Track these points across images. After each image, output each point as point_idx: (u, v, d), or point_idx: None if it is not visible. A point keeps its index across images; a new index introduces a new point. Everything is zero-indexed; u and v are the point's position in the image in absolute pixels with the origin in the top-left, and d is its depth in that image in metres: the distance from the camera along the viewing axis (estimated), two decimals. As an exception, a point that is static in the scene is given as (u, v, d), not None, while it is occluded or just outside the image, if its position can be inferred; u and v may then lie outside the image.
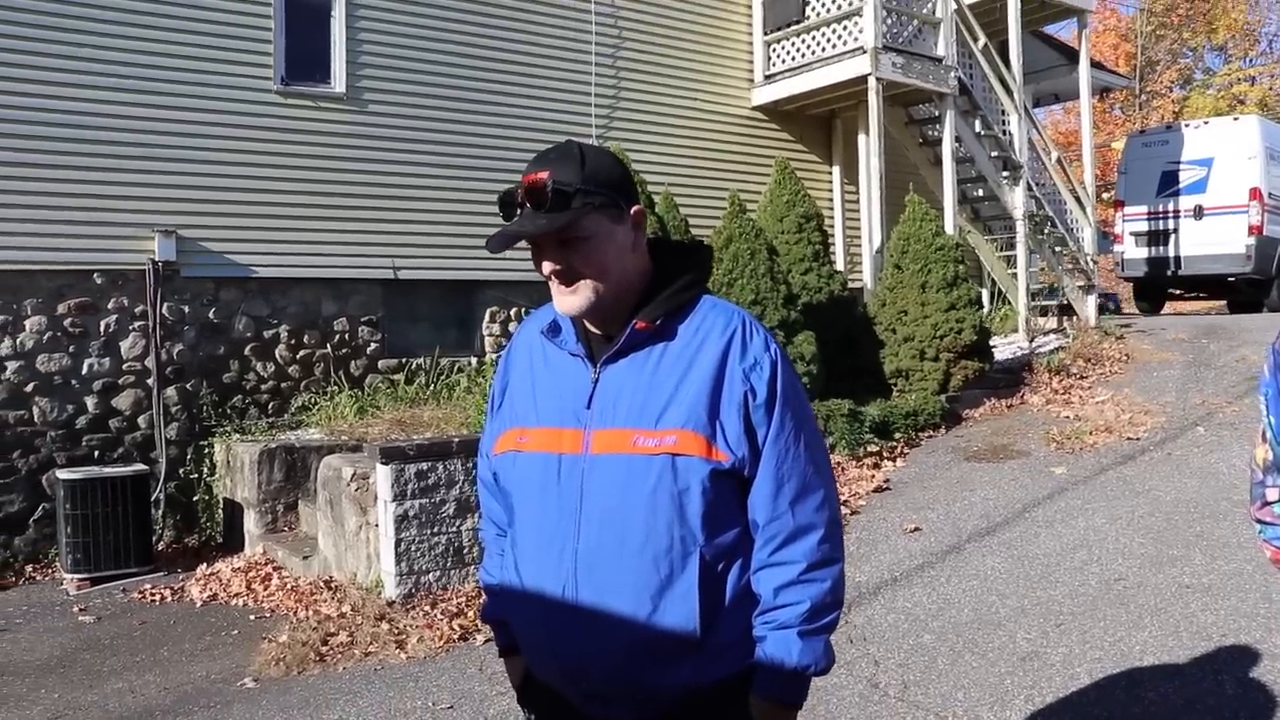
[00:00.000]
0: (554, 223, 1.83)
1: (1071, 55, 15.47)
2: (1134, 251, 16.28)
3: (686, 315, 1.96)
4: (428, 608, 6.08)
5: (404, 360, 9.85)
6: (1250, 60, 36.95)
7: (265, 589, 7.14)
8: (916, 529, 6.81)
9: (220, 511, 8.66)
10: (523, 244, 1.89)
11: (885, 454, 8.31)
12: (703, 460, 1.84)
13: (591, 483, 1.88)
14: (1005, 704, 4.42)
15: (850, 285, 10.16)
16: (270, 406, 9.19)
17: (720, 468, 1.85)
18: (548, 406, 1.98)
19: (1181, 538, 6.24)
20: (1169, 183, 15.84)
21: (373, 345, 9.75)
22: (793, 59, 12.10)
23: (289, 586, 7.06)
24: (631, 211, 1.95)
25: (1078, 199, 13.56)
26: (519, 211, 1.88)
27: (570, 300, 1.90)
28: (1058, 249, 13.17)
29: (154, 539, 8.14)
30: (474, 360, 10.21)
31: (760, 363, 1.90)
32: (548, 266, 1.89)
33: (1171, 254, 15.81)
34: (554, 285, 1.92)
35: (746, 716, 1.90)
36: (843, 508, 6.99)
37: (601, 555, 1.87)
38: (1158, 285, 16.87)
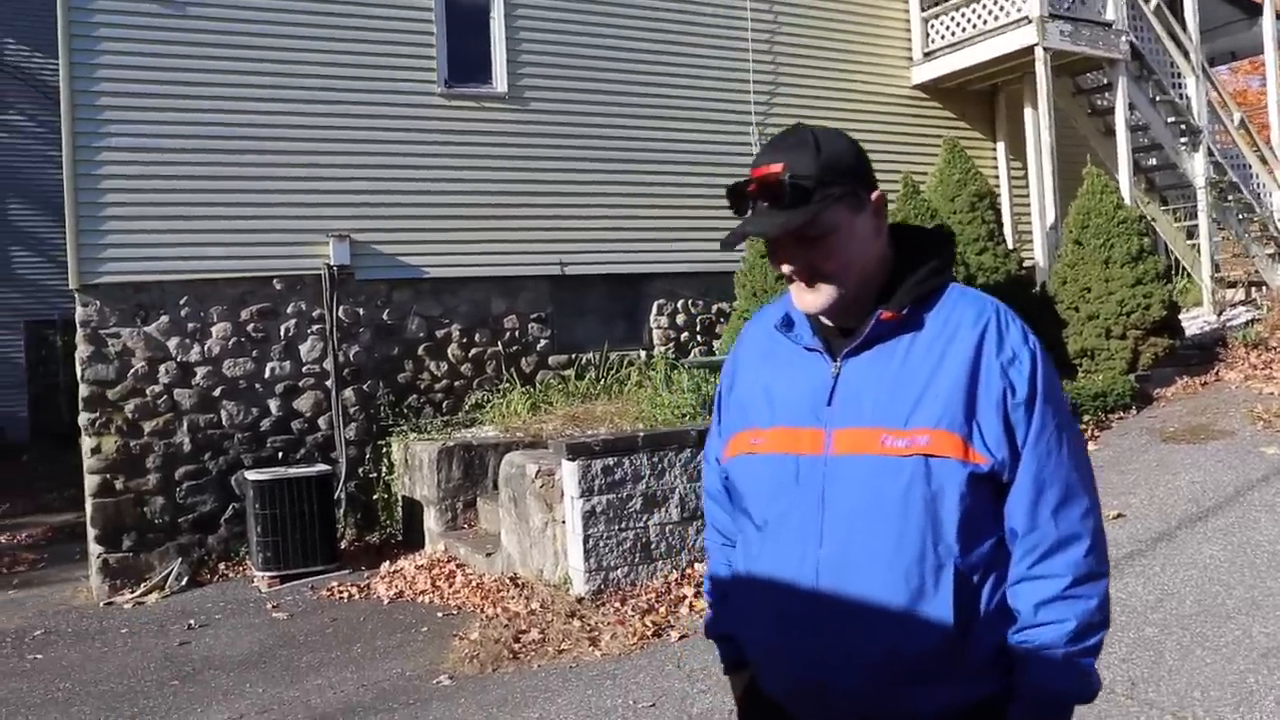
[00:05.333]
0: (791, 221, 1.70)
1: (1250, 8, 14.59)
2: (1326, 214, 15.25)
3: (934, 304, 1.80)
4: (618, 604, 6.05)
5: (573, 356, 9.90)
6: None
7: (450, 586, 7.23)
8: (1120, 515, 6.47)
9: (399, 509, 8.83)
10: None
11: (1075, 437, 7.93)
12: (959, 463, 1.68)
13: (834, 486, 1.74)
14: (1253, 705, 4.11)
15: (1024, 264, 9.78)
16: (444, 405, 9.32)
17: (979, 471, 1.69)
18: (783, 405, 1.85)
19: None
20: (1364, 140, 14.77)
21: (542, 341, 9.81)
22: (952, 34, 11.72)
23: (473, 584, 7.13)
24: (872, 197, 1.80)
25: (1264, 162, 12.77)
26: (751, 206, 1.75)
27: (810, 299, 1.78)
28: (1243, 216, 12.44)
29: (337, 537, 8.34)
30: (642, 353, 10.19)
31: (1019, 356, 1.73)
32: (786, 266, 1.78)
33: None
34: (793, 285, 1.81)
35: None
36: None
37: (846, 564, 1.72)
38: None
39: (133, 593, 7.88)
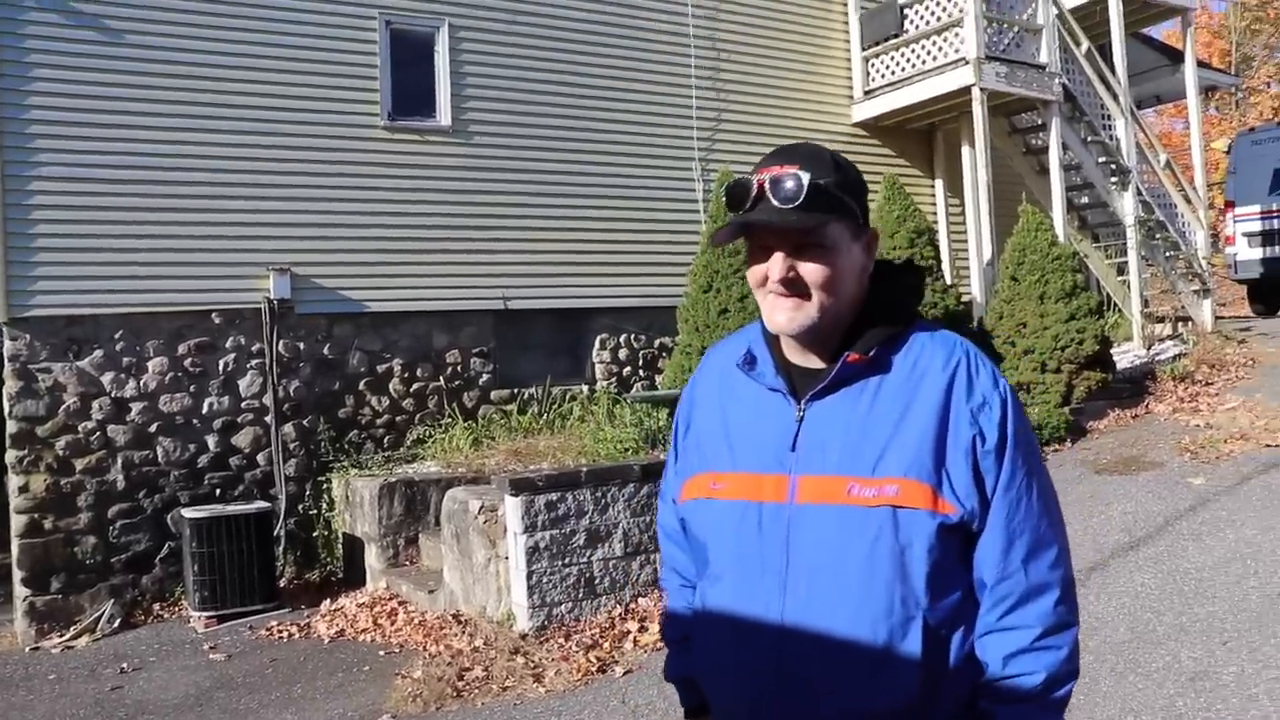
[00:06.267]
0: (803, 222, 1.65)
1: (1173, 55, 15.08)
2: (1247, 253, 15.70)
3: (902, 345, 1.75)
4: (562, 640, 6.01)
5: (516, 390, 9.85)
6: (1351, 52, 35.69)
7: (392, 624, 7.13)
8: (1057, 547, 6.56)
9: (340, 547, 8.71)
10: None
11: (1012, 470, 8.04)
12: (929, 513, 1.64)
13: (799, 536, 1.68)
14: (1183, 728, 4.20)
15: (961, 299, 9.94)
16: (386, 440, 9.23)
17: (948, 521, 1.65)
18: (744, 448, 1.78)
19: (1346, 549, 5.92)
20: (1283, 180, 15.28)
21: (485, 376, 9.77)
22: (892, 73, 11.93)
23: (416, 621, 7.04)
24: (869, 234, 1.77)
25: (1188, 201, 13.15)
26: (753, 205, 1.69)
27: (791, 316, 1.70)
28: (1170, 254, 12.77)
29: (276, 575, 8.19)
30: (585, 388, 10.16)
31: (989, 402, 1.69)
32: (777, 270, 1.68)
33: None
34: (770, 297, 1.71)
35: None
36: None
37: (811, 618, 1.67)
38: (1274, 286, 16.24)
39: (61, 636, 7.65)
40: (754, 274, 1.74)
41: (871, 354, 1.72)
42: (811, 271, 1.68)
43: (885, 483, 1.65)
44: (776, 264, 1.69)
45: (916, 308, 1.85)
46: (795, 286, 1.69)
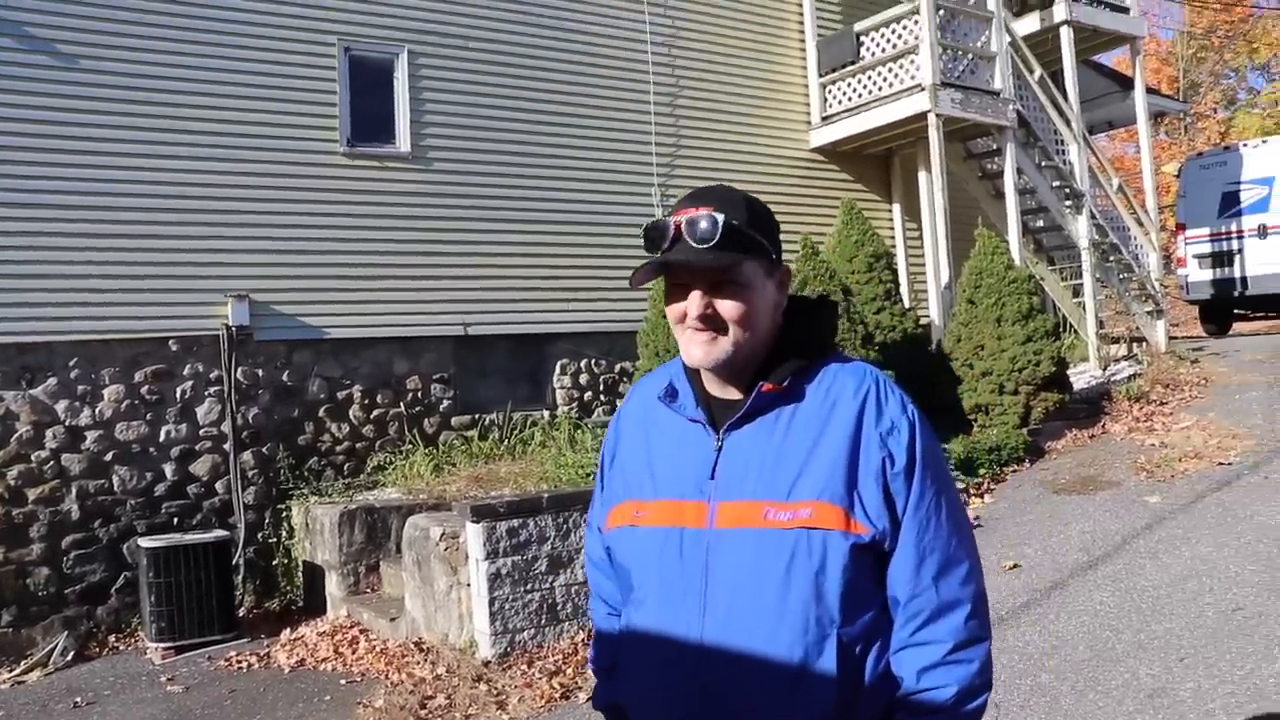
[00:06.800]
0: (719, 260, 1.73)
1: (1123, 82, 15.39)
2: (1198, 274, 16.02)
3: (815, 375, 1.83)
4: (525, 666, 5.98)
5: (477, 416, 9.82)
6: (1295, 78, 36.52)
7: (353, 652, 7.06)
8: (1015, 566, 6.63)
9: (300, 575, 8.62)
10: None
11: (972, 490, 8.13)
12: (841, 534, 1.71)
13: (718, 560, 1.75)
14: (1143, 746, 4.24)
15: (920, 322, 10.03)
16: (346, 467, 9.17)
17: (860, 541, 1.71)
18: (666, 477, 1.86)
19: (1298, 565, 6.01)
20: (1230, 203, 15.61)
21: (445, 402, 9.73)
22: (849, 100, 12.06)
23: (378, 649, 6.98)
24: (781, 270, 1.86)
25: (1140, 224, 13.37)
26: (671, 246, 1.77)
27: (708, 350, 1.78)
28: (1123, 276, 12.97)
29: (235, 604, 8.10)
30: (546, 413, 10.16)
31: (898, 426, 1.78)
32: (695, 308, 1.76)
33: (1237, 274, 15.54)
34: (688, 332, 1.80)
35: None
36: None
37: (730, 637, 1.74)
38: (1224, 307, 16.58)
39: (11, 671, 7.49)
40: (673, 311, 1.82)
41: (785, 384, 1.80)
42: (728, 308, 1.76)
43: (799, 506, 1.72)
44: (694, 301, 1.77)
45: (831, 341, 1.94)
46: (712, 322, 1.77)
